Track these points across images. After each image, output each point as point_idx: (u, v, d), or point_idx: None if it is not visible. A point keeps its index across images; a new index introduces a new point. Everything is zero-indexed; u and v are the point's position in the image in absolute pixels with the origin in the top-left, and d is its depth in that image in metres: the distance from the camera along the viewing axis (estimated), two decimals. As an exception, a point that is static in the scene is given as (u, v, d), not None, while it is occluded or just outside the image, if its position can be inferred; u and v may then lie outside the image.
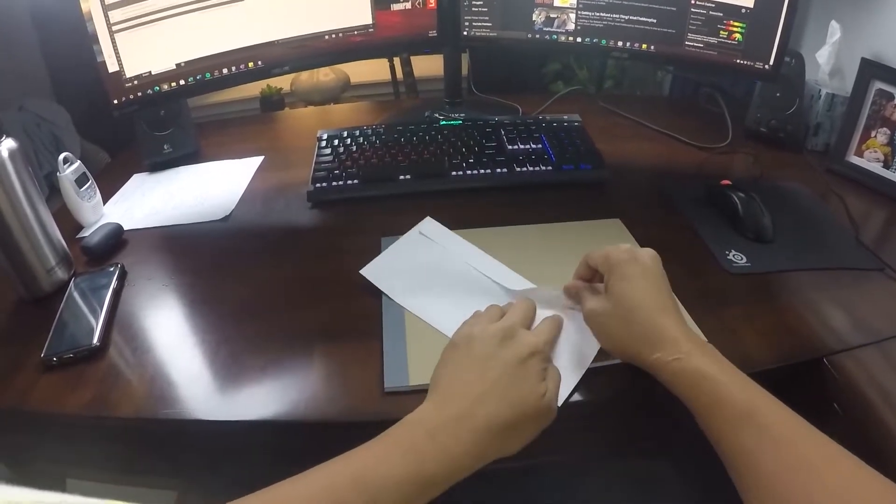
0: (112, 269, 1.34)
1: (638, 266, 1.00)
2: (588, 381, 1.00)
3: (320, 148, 1.70)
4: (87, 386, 1.08)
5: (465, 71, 2.13)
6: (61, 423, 1.10)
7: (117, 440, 1.13)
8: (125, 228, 1.50)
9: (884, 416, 0.93)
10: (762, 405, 0.82)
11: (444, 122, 1.80)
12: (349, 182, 1.57)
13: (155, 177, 1.79)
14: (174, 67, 1.54)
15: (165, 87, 1.55)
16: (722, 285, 1.24)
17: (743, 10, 1.49)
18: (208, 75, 1.59)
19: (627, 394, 1.05)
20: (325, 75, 3.82)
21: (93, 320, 1.20)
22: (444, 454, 0.81)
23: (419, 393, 0.93)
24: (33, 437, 1.18)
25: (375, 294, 1.22)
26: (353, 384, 1.05)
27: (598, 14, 1.67)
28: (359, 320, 1.18)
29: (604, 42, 1.70)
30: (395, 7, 1.73)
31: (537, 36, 1.77)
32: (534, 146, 1.67)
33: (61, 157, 1.50)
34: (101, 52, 1.43)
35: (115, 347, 1.17)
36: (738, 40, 1.52)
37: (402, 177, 1.58)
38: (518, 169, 1.59)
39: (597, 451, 1.21)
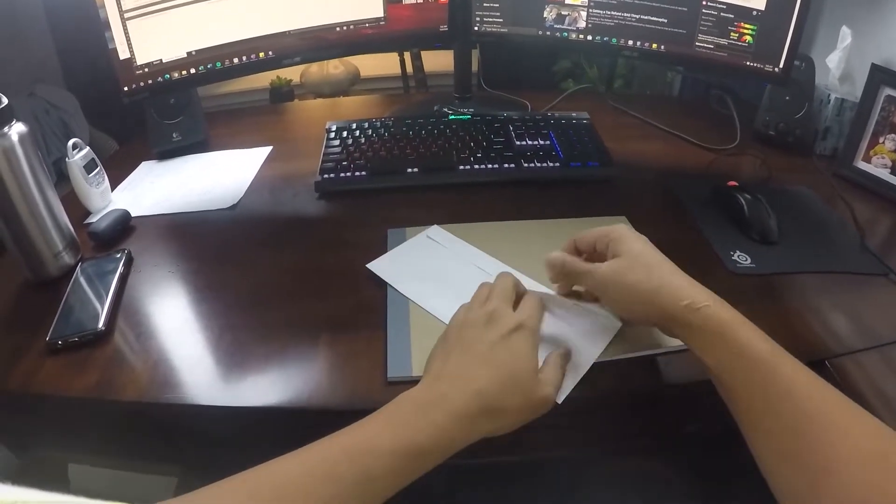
0: (119, 254, 1.34)
1: (640, 238, 1.02)
2: (590, 377, 0.99)
3: (329, 139, 1.71)
4: (91, 370, 1.08)
5: (474, 67, 2.13)
6: (65, 408, 1.10)
7: (120, 426, 1.14)
8: (133, 215, 1.50)
9: (884, 420, 0.93)
10: (783, 359, 0.83)
11: (452, 117, 1.80)
12: (357, 174, 1.58)
13: (163, 164, 1.80)
14: (185, 56, 1.55)
15: (176, 75, 1.55)
16: (726, 285, 1.23)
17: (754, 13, 1.49)
18: (219, 64, 1.60)
19: (629, 391, 1.05)
20: (334, 68, 3.82)
21: (98, 305, 1.20)
22: (435, 428, 0.82)
23: (421, 383, 0.93)
24: (36, 421, 1.19)
25: (380, 285, 1.23)
26: (356, 373, 1.05)
27: (609, 13, 1.67)
28: (363, 311, 1.19)
29: (614, 41, 1.71)
30: (407, 0, 1.73)
31: (548, 33, 1.77)
32: (542, 142, 1.67)
33: (70, 142, 1.51)
34: (113, 39, 1.43)
35: (121, 332, 1.17)
36: (748, 42, 1.52)
37: (409, 170, 1.58)
38: (526, 165, 1.59)
39: (598, 449, 1.22)
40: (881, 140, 1.59)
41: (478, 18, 1.82)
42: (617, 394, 1.04)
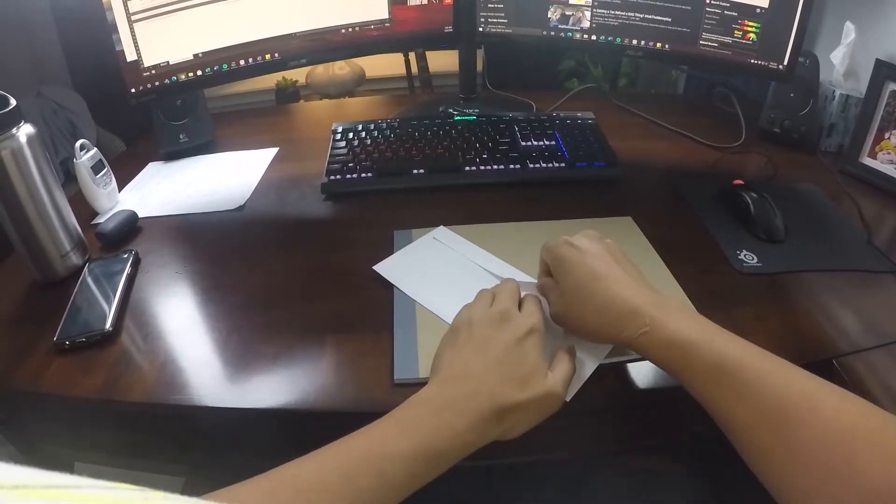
0: (126, 255, 1.35)
1: (577, 252, 1.01)
2: (595, 378, 1.00)
3: (335, 141, 1.71)
4: (98, 370, 1.09)
5: (479, 67, 2.13)
6: (71, 407, 1.10)
7: (126, 425, 1.15)
8: (140, 216, 1.51)
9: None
10: (732, 359, 0.82)
11: (458, 118, 1.81)
12: (363, 175, 1.58)
13: (170, 165, 1.80)
14: (192, 58, 1.55)
15: (183, 76, 1.56)
16: (732, 284, 1.24)
17: (758, 10, 1.49)
18: (225, 66, 1.60)
19: (635, 391, 1.05)
20: (340, 69, 3.83)
21: (106, 305, 1.21)
22: (449, 431, 0.82)
23: (428, 384, 0.94)
24: (43, 420, 1.19)
25: (387, 287, 1.23)
26: (363, 375, 1.05)
27: (613, 12, 1.67)
28: (370, 312, 1.19)
29: (618, 40, 1.71)
30: (412, 2, 1.74)
31: (552, 33, 1.77)
32: (547, 143, 1.67)
33: (78, 143, 1.51)
34: (120, 42, 1.44)
35: (128, 333, 1.18)
36: (752, 40, 1.53)
37: (415, 171, 1.59)
38: (531, 165, 1.59)
39: (604, 449, 1.22)
40: (887, 136, 1.59)
41: (482, 19, 1.82)
42: (622, 394, 1.05)
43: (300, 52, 1.68)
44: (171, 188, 1.67)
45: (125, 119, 2.22)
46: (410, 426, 0.83)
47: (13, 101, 1.20)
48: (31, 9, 2.34)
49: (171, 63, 1.53)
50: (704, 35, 1.58)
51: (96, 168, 1.53)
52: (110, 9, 1.41)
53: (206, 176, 1.73)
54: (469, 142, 1.67)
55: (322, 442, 0.81)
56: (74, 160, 1.50)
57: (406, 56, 3.53)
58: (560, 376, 0.92)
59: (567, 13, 1.72)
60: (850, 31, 1.69)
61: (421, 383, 0.91)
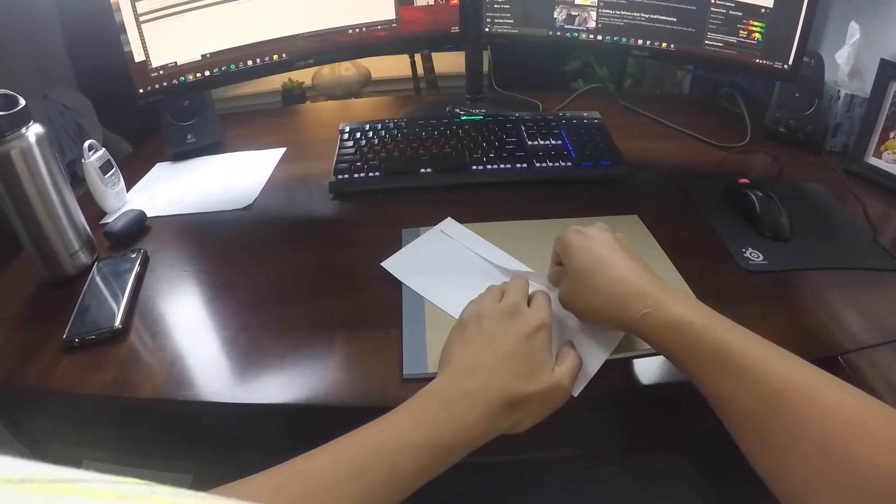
0: (134, 254, 1.36)
1: (584, 238, 1.02)
2: (602, 374, 1.00)
3: (342, 140, 1.72)
4: (108, 367, 1.10)
5: (485, 68, 2.14)
6: (80, 405, 1.12)
7: (135, 423, 1.16)
8: (148, 216, 1.52)
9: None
10: (734, 345, 0.83)
11: (465, 118, 1.81)
12: (371, 174, 1.59)
13: (178, 166, 1.81)
14: (199, 58, 1.56)
15: (190, 77, 1.57)
16: (738, 282, 1.25)
17: (762, 10, 1.50)
18: (233, 67, 1.61)
19: (641, 388, 1.06)
20: (346, 70, 3.83)
21: (115, 303, 1.22)
22: (459, 424, 0.83)
23: (437, 379, 0.94)
24: (52, 418, 1.20)
25: (395, 284, 1.24)
26: (372, 370, 1.06)
27: (618, 12, 1.68)
28: (378, 309, 1.19)
29: (624, 40, 1.71)
30: (419, 2, 1.75)
31: (558, 33, 1.78)
32: (554, 142, 1.68)
33: (86, 143, 1.52)
34: (128, 42, 1.45)
35: (137, 331, 1.19)
36: (757, 40, 1.53)
37: (422, 170, 1.59)
38: (538, 164, 1.60)
39: (609, 446, 1.22)
40: (892, 135, 1.59)
41: (488, 20, 1.83)
42: (628, 391, 1.05)
43: (307, 53, 1.69)
44: (179, 188, 1.68)
45: (131, 121, 2.22)
46: (420, 419, 0.84)
47: (22, 101, 1.20)
48: (36, 11, 2.35)
49: (178, 63, 1.54)
50: (710, 35, 1.59)
51: (104, 168, 1.54)
52: (118, 10, 1.41)
53: (214, 176, 1.74)
54: (476, 141, 1.68)
55: (331, 438, 0.82)
56: (83, 160, 1.51)
57: (412, 57, 3.53)
58: (566, 370, 0.93)
59: (573, 13, 1.73)
60: (854, 31, 1.69)
61: (430, 378, 0.91)
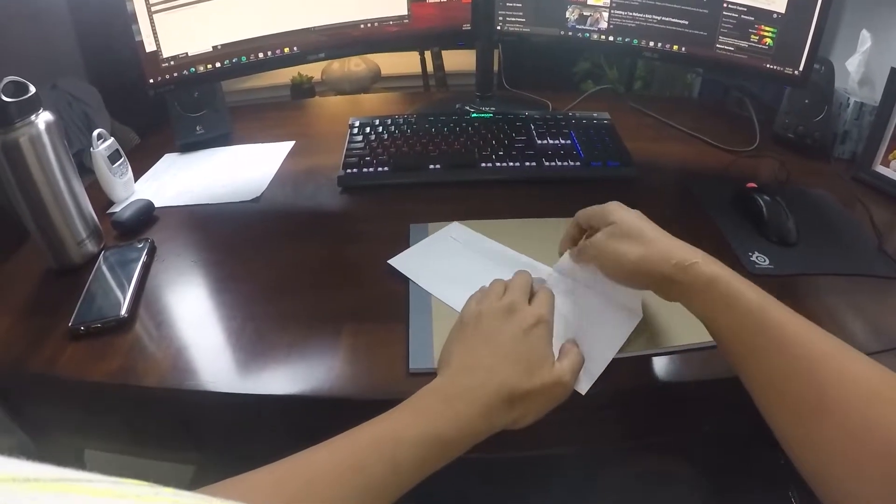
0: (141, 244, 1.36)
1: (632, 211, 1.05)
2: (607, 373, 1.01)
3: (352, 134, 1.72)
4: (113, 356, 1.10)
5: (495, 66, 2.14)
6: (83, 393, 1.12)
7: (138, 413, 1.16)
8: (155, 206, 1.52)
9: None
10: (773, 307, 0.85)
11: (475, 115, 1.82)
12: (380, 169, 1.59)
13: (186, 157, 1.82)
14: (211, 49, 1.57)
15: (201, 68, 1.57)
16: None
17: (774, 15, 1.50)
18: (244, 59, 1.61)
19: (646, 387, 1.06)
20: (356, 65, 3.84)
21: (121, 293, 1.22)
22: (459, 418, 0.84)
23: (442, 375, 0.94)
24: (55, 406, 1.21)
25: (402, 279, 1.24)
26: (378, 364, 1.06)
27: (630, 14, 1.68)
28: (385, 303, 1.20)
29: (635, 42, 1.72)
30: (431, -1, 1.75)
31: (570, 33, 1.78)
32: (563, 142, 1.68)
33: (95, 133, 1.52)
34: (140, 32, 1.46)
35: (143, 320, 1.19)
36: (768, 45, 1.53)
37: (431, 166, 1.60)
38: (547, 163, 1.60)
39: (613, 446, 1.22)
40: (900, 144, 1.59)
41: (500, 18, 1.83)
42: (633, 390, 1.06)
43: (318, 47, 1.69)
44: (188, 179, 1.68)
45: (139, 112, 2.23)
46: (421, 413, 0.85)
47: (32, 89, 1.21)
48: (46, 1, 2.35)
49: (189, 54, 1.54)
50: (721, 39, 1.59)
51: (113, 157, 1.54)
52: (131, 0, 1.42)
53: (223, 167, 1.74)
54: (485, 139, 1.68)
55: (335, 431, 0.82)
56: (91, 149, 1.51)
57: (422, 54, 3.53)
58: (567, 366, 0.94)
59: (585, 14, 1.73)
60: (865, 39, 1.69)
61: (435, 373, 0.92)
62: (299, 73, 3.89)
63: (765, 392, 0.84)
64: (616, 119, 1.82)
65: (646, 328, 1.08)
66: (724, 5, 1.55)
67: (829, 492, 0.74)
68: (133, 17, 1.44)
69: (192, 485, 0.66)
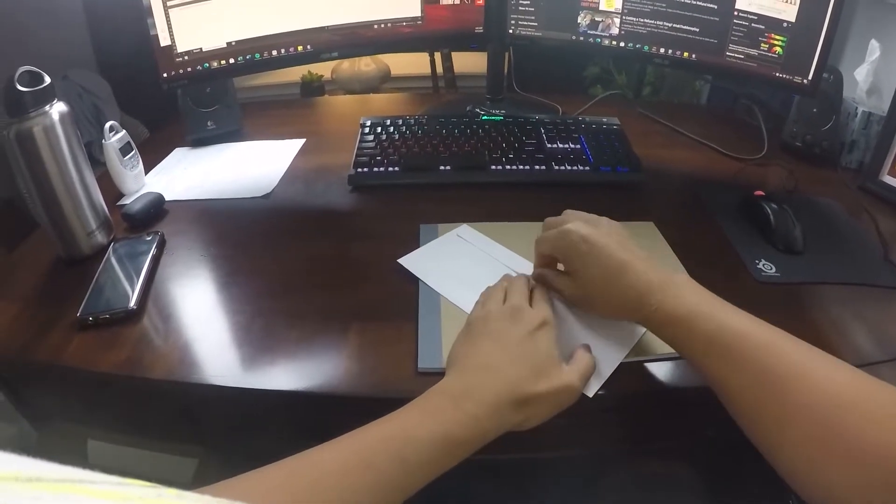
0: (151, 237, 1.37)
1: (586, 245, 1.01)
2: (613, 376, 1.02)
3: (363, 134, 1.73)
4: (121, 347, 1.11)
5: (505, 69, 2.15)
6: (89, 384, 1.13)
7: (142, 404, 1.17)
8: (166, 199, 1.53)
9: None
10: (728, 330, 0.87)
11: (485, 117, 1.83)
12: (390, 169, 1.60)
13: (197, 152, 1.82)
14: (224, 46, 1.57)
15: (215, 64, 1.58)
16: (750, 292, 1.25)
17: (785, 24, 1.50)
18: (257, 56, 1.62)
19: (649, 392, 1.06)
20: (366, 65, 3.84)
21: (129, 285, 1.23)
22: (469, 418, 0.84)
23: (451, 374, 0.95)
24: (59, 396, 1.22)
25: (410, 279, 1.25)
26: (386, 362, 1.07)
27: (642, 20, 1.69)
28: (394, 302, 1.20)
29: (646, 48, 1.72)
30: (444, 1, 1.76)
31: (581, 38, 1.79)
32: (573, 146, 1.69)
33: (107, 125, 1.53)
34: (155, 26, 1.46)
35: (151, 312, 1.20)
36: (778, 53, 1.53)
37: (442, 167, 1.60)
38: (556, 167, 1.61)
39: (615, 449, 1.23)
40: (908, 155, 1.59)
41: (513, 21, 1.84)
42: (638, 394, 1.06)
43: (331, 46, 1.70)
44: (198, 173, 1.69)
45: (149, 106, 2.23)
46: (430, 414, 0.85)
47: (48, 79, 1.22)
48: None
49: (204, 50, 1.55)
50: (731, 47, 1.59)
51: (124, 150, 1.55)
52: (147, -6, 1.43)
53: (233, 163, 1.75)
54: (496, 141, 1.69)
55: (341, 429, 0.83)
56: (103, 141, 1.52)
57: (432, 55, 3.54)
58: (577, 370, 0.94)
59: (597, 19, 1.74)
60: (874, 49, 1.69)
61: (444, 372, 0.93)
62: (309, 72, 3.89)
63: (733, 406, 0.86)
64: (625, 124, 1.82)
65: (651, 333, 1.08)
66: (735, 13, 1.55)
67: (805, 492, 0.76)
68: (148, 11, 1.44)
69: (195, 478, 0.67)
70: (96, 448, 1.36)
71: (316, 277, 1.29)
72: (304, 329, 1.15)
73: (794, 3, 1.47)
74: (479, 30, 1.84)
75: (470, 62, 3.42)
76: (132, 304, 1.18)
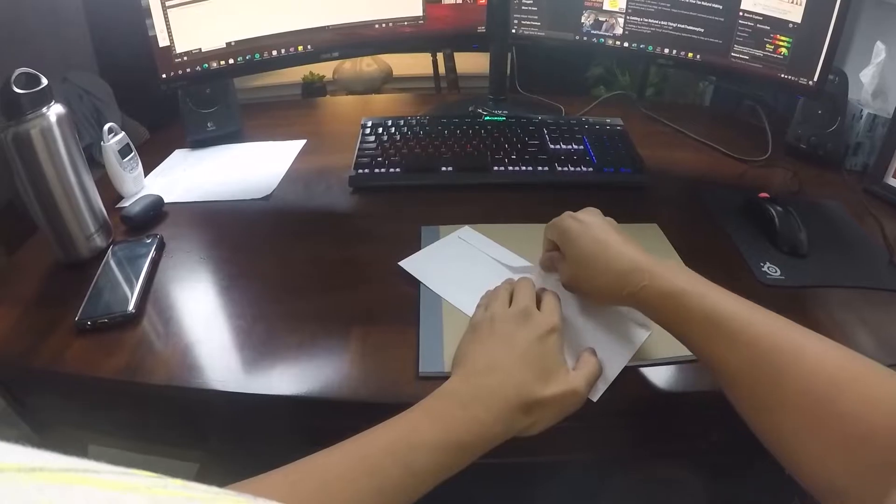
0: (150, 239, 1.36)
1: (581, 224, 1.05)
2: (616, 380, 1.01)
3: (364, 135, 1.72)
4: (121, 351, 1.10)
5: (507, 69, 2.14)
6: (87, 389, 1.12)
7: (142, 409, 1.16)
8: (165, 201, 1.52)
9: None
10: (723, 310, 0.86)
11: (487, 118, 1.82)
12: (391, 170, 1.59)
13: (197, 153, 1.82)
14: (224, 46, 1.57)
15: (214, 64, 1.57)
16: (755, 295, 1.22)
17: (790, 25, 1.49)
18: (257, 56, 1.61)
19: (654, 396, 1.05)
20: (367, 65, 3.84)
21: (128, 288, 1.22)
22: (475, 423, 0.84)
23: (452, 379, 0.94)
24: (59, 400, 1.20)
25: (411, 281, 1.24)
26: (387, 366, 1.06)
27: (646, 20, 1.68)
28: (395, 306, 1.19)
29: (650, 48, 1.71)
30: (446, 1, 1.75)
31: (585, 38, 1.78)
32: (576, 147, 1.68)
33: (106, 126, 1.53)
34: (153, 27, 1.46)
35: (151, 316, 1.19)
36: (783, 55, 1.53)
37: (443, 168, 1.60)
38: (559, 168, 1.60)
39: (619, 453, 1.22)
40: (913, 157, 1.58)
41: (516, 21, 1.83)
42: (642, 399, 1.05)
43: (332, 46, 1.69)
44: (198, 175, 1.68)
45: (149, 107, 2.23)
46: (437, 418, 0.85)
47: (45, 81, 1.21)
48: (62, -6, 2.36)
49: (203, 50, 1.54)
50: (736, 47, 1.58)
51: (123, 152, 1.54)
52: (146, -5, 1.42)
53: (234, 165, 1.74)
54: (498, 142, 1.68)
55: (343, 433, 0.82)
56: (102, 143, 1.51)
57: (434, 56, 3.53)
58: (583, 375, 0.94)
59: (601, 19, 1.73)
60: (880, 50, 1.68)
61: (445, 377, 0.92)
62: (311, 72, 3.89)
63: (728, 387, 0.85)
64: (629, 125, 1.82)
65: (656, 337, 1.08)
66: (740, 14, 1.55)
67: (809, 483, 0.75)
68: (147, 12, 1.44)
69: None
70: (97, 453, 1.35)
71: (316, 280, 1.28)
72: (306, 333, 1.14)
73: (800, 4, 1.46)
74: (482, 29, 1.84)
75: (472, 62, 3.42)
76: (131, 307, 1.17)
